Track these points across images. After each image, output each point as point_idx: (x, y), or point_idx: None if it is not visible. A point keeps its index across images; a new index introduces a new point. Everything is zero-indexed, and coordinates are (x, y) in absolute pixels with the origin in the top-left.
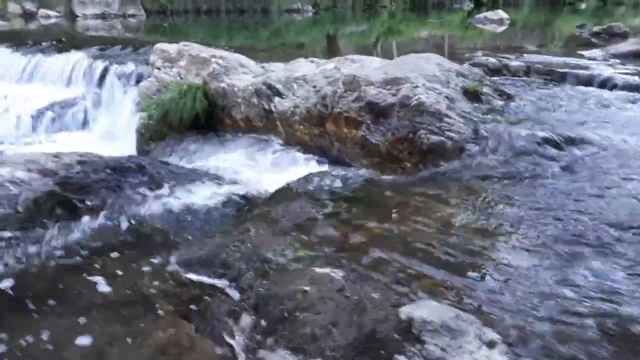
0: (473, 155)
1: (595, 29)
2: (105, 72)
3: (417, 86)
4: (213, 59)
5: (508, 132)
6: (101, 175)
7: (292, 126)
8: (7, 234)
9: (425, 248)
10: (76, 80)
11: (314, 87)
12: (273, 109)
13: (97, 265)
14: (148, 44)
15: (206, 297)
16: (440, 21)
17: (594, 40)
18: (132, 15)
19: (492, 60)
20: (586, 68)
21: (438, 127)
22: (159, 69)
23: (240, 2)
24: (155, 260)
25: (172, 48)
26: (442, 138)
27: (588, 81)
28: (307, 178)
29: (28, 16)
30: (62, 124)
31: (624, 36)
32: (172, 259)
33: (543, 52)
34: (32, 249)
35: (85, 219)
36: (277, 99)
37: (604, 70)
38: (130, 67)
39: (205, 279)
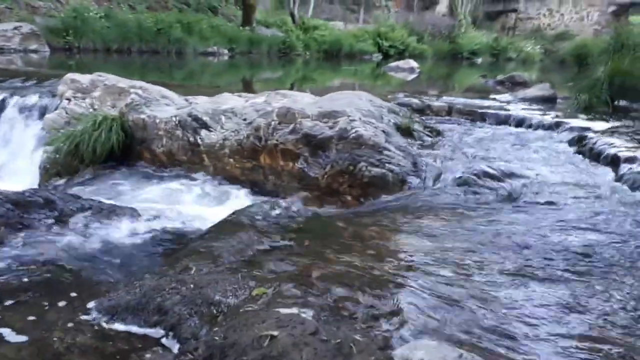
0: (415, 188)
1: (499, 77)
2: (3, 104)
3: (354, 119)
4: (132, 89)
5: (445, 166)
6: (1, 209)
7: (220, 160)
8: None
9: (397, 280)
10: None
11: (244, 119)
12: (199, 141)
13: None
14: (53, 77)
15: (137, 352)
16: (354, 68)
17: (498, 87)
18: (35, 51)
19: (415, 100)
20: (502, 109)
21: (378, 160)
22: (69, 100)
23: (153, 43)
24: (70, 309)
25: (84, 78)
26: (384, 170)
27: (505, 120)
28: (247, 210)
29: None
30: None
31: (524, 84)
32: (92, 305)
33: (458, 96)
34: None
35: None
36: (204, 132)
37: (518, 111)
38: (33, 99)
39: (134, 329)
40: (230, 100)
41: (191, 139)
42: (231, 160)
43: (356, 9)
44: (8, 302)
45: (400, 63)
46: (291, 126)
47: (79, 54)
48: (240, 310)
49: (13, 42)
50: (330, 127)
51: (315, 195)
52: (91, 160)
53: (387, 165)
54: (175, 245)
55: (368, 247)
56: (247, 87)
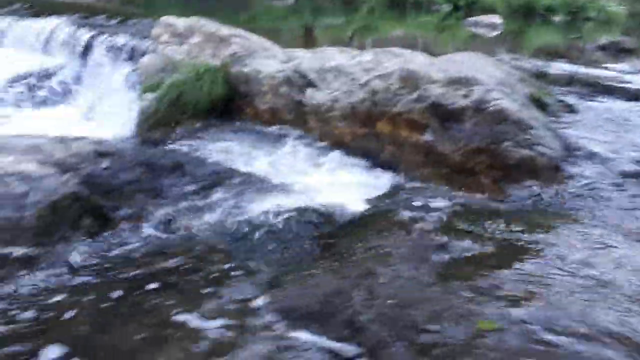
0: (572, 176)
1: (602, 41)
2: (91, 42)
3: (490, 89)
4: (233, 39)
5: (601, 150)
6: (133, 173)
7: (328, 123)
8: (15, 251)
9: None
10: (54, 49)
11: (353, 79)
12: (305, 101)
13: (144, 305)
14: (135, 16)
15: None
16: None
17: (599, 53)
18: None
19: (527, 65)
20: (627, 82)
21: (525, 140)
22: (164, 44)
23: None
24: (234, 304)
25: (180, 22)
26: (532, 153)
27: (638, 96)
28: (395, 196)
29: None
30: (38, 96)
31: (631, 52)
32: (261, 303)
33: (563, 61)
34: (52, 276)
35: (123, 234)
36: (309, 91)
37: None
38: (121, 39)
39: (320, 342)
40: (334, 56)
41: (296, 97)
42: (341, 124)
43: None
44: (153, 290)
45: (481, 18)
46: (416, 93)
47: None
48: (468, 349)
49: None
50: (465, 96)
51: (443, 172)
52: (193, 113)
53: (535, 146)
54: (326, 229)
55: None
56: (309, 34)
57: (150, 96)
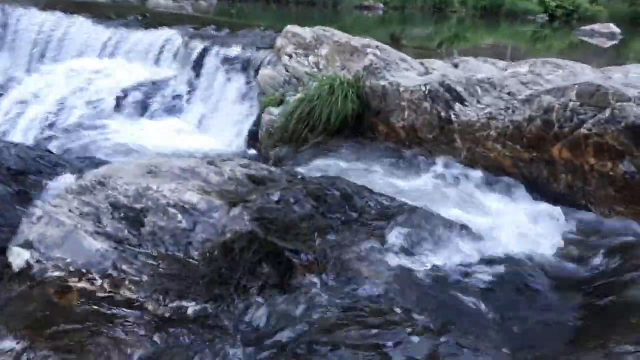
0: None
1: None
2: (204, 54)
3: None
4: (368, 50)
5: None
6: (302, 207)
7: (481, 144)
8: (189, 306)
9: None
10: (166, 60)
11: (509, 94)
12: (453, 118)
13: None
14: (245, 27)
15: None
16: (531, 30)
17: None
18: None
19: None
20: None
21: None
22: (289, 56)
23: None
24: None
25: (307, 33)
26: None
27: None
28: (598, 240)
29: None
30: (151, 107)
31: None
32: None
33: None
34: (234, 345)
35: (309, 286)
36: (458, 106)
37: None
38: (234, 50)
39: None
40: (480, 68)
41: (442, 114)
42: (498, 146)
43: None
44: None
45: (597, 27)
46: (607, 112)
47: (240, 2)
48: None
49: None
50: None
51: None
52: (323, 129)
53: None
54: (545, 284)
55: None
56: (396, 43)
57: (275, 111)
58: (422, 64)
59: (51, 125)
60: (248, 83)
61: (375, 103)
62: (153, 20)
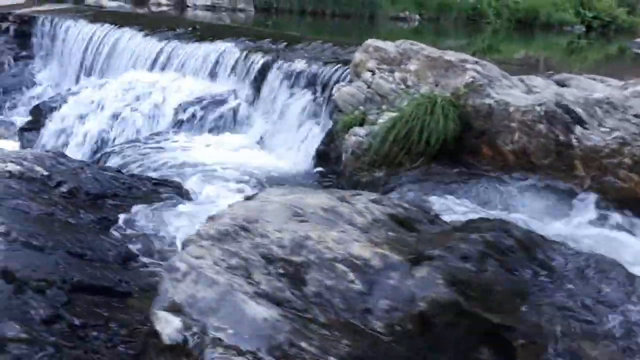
0: None
1: None
2: (265, 68)
3: None
4: (467, 65)
5: None
6: (490, 263)
7: (609, 171)
8: None
9: None
10: (223, 74)
11: (636, 115)
12: (574, 142)
13: None
14: (303, 40)
15: None
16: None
17: None
18: (242, 10)
19: None
20: None
21: None
22: (371, 72)
23: (347, 7)
24: None
25: (390, 46)
26: None
27: None
28: None
29: (138, 1)
30: (210, 122)
31: None
32: None
33: None
34: None
35: None
36: (578, 129)
37: None
38: (299, 64)
39: None
40: (595, 87)
41: (561, 137)
42: (633, 175)
43: None
44: None
45: None
46: None
47: (276, 14)
48: None
49: (223, 1)
50: None
51: None
52: (421, 153)
53: None
54: None
55: None
56: None
57: (361, 131)
58: (521, 80)
59: (107, 141)
60: (315, 99)
61: (478, 123)
62: (203, 32)
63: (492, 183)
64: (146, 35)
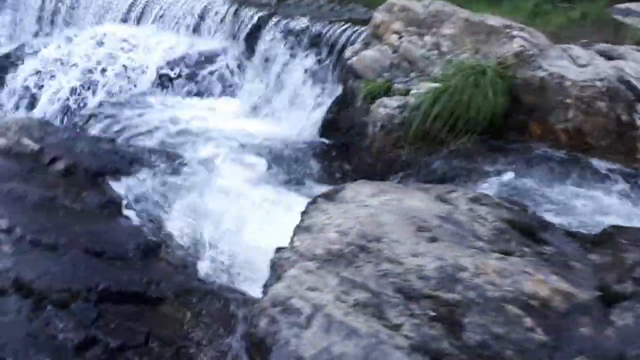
0: None
1: None
2: (260, 24)
3: None
4: (513, 32)
5: None
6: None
7: None
8: None
9: None
10: (208, 30)
11: None
12: (638, 123)
13: None
14: None
15: None
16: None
17: None
18: None
19: None
20: None
21: None
22: (398, 35)
23: None
24: None
25: (419, 6)
26: None
27: None
28: None
29: None
30: (198, 84)
31: None
32: None
33: None
34: None
35: None
36: None
37: None
38: (301, 22)
39: None
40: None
41: (623, 117)
42: None
43: None
44: None
45: (634, 5)
46: None
47: None
48: None
49: None
50: None
51: None
52: (468, 130)
53: None
54: None
55: None
56: None
57: (392, 102)
58: (564, 50)
59: (81, 103)
60: (319, 62)
61: (528, 98)
62: None
63: (566, 166)
64: None
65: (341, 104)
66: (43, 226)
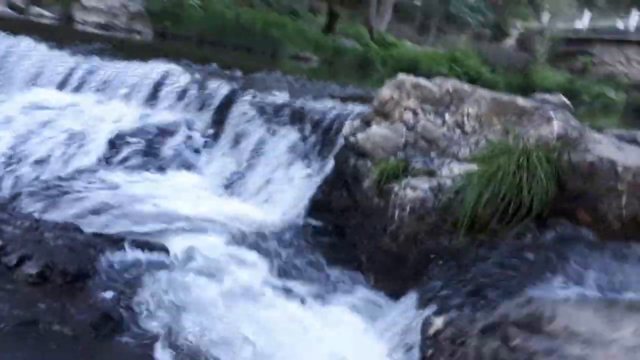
0: None
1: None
2: (231, 96)
3: None
4: (550, 113)
5: None
6: None
7: None
8: None
9: None
10: (166, 101)
11: None
12: None
13: None
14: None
15: None
16: None
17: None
18: (139, 32)
19: None
20: None
21: None
22: (414, 113)
23: (249, 41)
24: None
25: (432, 84)
26: None
27: None
28: None
29: (16, 11)
30: (155, 159)
31: None
32: None
33: None
34: None
35: None
36: None
37: None
38: (279, 97)
39: None
40: None
41: None
42: None
43: (426, 32)
44: None
45: (549, 96)
46: None
47: (173, 39)
48: None
49: (120, 20)
50: None
51: None
52: (511, 216)
53: None
54: None
55: None
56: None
57: (422, 184)
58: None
59: (14, 177)
60: (304, 139)
61: (575, 184)
62: (125, 49)
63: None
64: (54, 48)
65: (333, 183)
66: None
